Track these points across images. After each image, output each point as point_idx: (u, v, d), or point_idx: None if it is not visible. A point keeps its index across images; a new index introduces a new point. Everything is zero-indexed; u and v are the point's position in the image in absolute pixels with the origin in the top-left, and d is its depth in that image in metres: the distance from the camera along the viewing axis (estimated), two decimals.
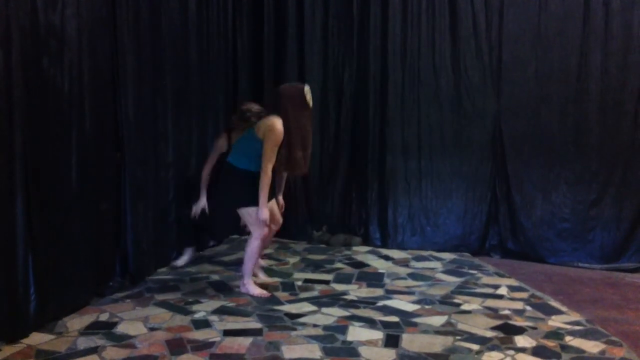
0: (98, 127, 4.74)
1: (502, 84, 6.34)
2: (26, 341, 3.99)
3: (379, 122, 6.71)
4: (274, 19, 6.93)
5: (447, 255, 6.35)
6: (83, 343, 4.01)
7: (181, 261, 5.80)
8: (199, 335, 4.20)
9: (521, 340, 4.18)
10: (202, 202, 5.52)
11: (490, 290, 5.25)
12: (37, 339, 4.04)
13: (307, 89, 4.92)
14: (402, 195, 6.65)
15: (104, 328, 4.27)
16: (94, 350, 3.91)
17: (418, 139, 6.58)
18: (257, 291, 5.02)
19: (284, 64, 6.91)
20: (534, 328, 4.41)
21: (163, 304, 4.77)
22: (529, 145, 6.29)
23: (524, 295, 5.16)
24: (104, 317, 4.48)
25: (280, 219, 5.33)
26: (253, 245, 5.00)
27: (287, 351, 3.95)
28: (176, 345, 4.01)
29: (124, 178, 5.06)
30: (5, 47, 3.82)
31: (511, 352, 4.00)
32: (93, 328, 4.27)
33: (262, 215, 4.79)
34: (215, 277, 5.49)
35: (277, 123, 4.77)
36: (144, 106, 5.29)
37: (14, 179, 3.96)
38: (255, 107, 5.40)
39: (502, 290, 5.25)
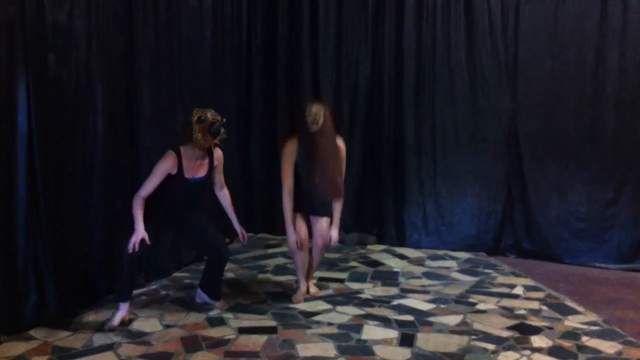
0: (112, 125, 4.77)
1: (518, 82, 6.29)
2: (42, 337, 4.02)
3: (394, 120, 6.67)
4: (287, 17, 6.89)
5: (463, 255, 6.31)
6: (99, 340, 4.03)
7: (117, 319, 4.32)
8: (214, 332, 4.21)
9: (537, 341, 4.16)
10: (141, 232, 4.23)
11: (505, 290, 5.22)
12: (53, 335, 4.06)
13: (308, 110, 4.60)
14: (416, 194, 6.62)
15: (120, 325, 4.28)
16: (109, 347, 3.93)
17: (433, 137, 6.55)
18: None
19: (298, 62, 6.88)
20: (550, 328, 4.38)
21: (178, 302, 4.78)
22: (545, 143, 6.23)
23: (540, 295, 5.13)
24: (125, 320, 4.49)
25: (323, 234, 4.85)
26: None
27: (301, 349, 3.95)
28: (191, 343, 4.03)
29: (139, 177, 5.07)
30: (11, 44, 3.87)
31: (527, 352, 3.98)
32: (107, 325, 4.28)
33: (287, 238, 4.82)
34: (230, 275, 5.49)
35: (287, 141, 4.78)
36: (158, 104, 5.29)
37: (25, 180, 4.01)
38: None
39: (518, 290, 5.22)
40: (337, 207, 4.80)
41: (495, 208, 6.44)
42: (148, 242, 4.21)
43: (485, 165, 6.43)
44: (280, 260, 5.95)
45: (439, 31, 6.45)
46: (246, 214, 6.86)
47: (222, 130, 4.44)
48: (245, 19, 6.80)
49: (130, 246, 4.14)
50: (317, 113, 4.55)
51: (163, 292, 5.02)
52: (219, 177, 4.77)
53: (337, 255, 6.18)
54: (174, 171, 4.37)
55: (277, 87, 6.95)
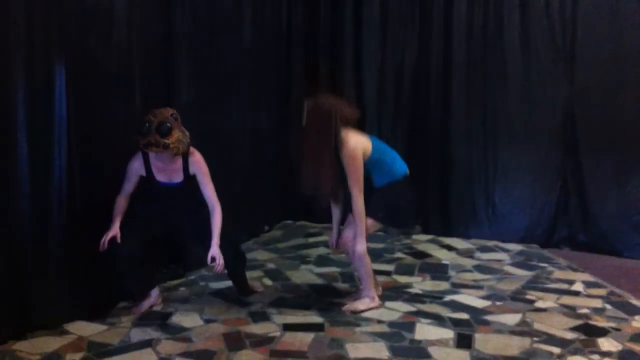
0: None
1: (575, 66, 5.89)
2: (77, 332, 3.82)
3: (441, 107, 6.33)
4: None
5: (514, 247, 5.97)
6: (137, 335, 3.83)
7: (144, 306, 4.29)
8: (258, 329, 3.98)
9: (605, 344, 3.85)
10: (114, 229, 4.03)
11: (564, 286, 4.90)
12: (89, 329, 3.87)
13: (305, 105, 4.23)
14: (464, 183, 6.29)
15: (158, 319, 4.08)
16: (148, 343, 3.72)
17: (483, 125, 6.20)
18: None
19: (340, 46, 6.58)
20: (618, 329, 4.06)
21: (218, 294, 4.56)
22: (603, 132, 5.84)
23: (602, 292, 4.79)
24: (157, 306, 4.28)
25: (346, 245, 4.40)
26: None
27: (351, 350, 3.70)
28: (234, 340, 3.80)
29: None
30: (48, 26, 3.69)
31: (596, 356, 3.68)
32: (146, 319, 4.08)
33: None
34: (271, 265, 5.25)
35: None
36: (197, 88, 5.07)
37: (62, 165, 3.84)
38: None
39: (578, 286, 4.90)
40: (354, 217, 4.20)
41: (549, 199, 6.07)
42: (118, 240, 3.95)
43: (538, 154, 6.06)
44: (323, 250, 5.68)
45: (491, 12, 6.06)
46: (283, 201, 6.66)
47: (148, 133, 3.85)
48: (285, 2, 6.51)
49: (101, 243, 3.92)
50: (305, 109, 4.19)
51: (202, 283, 4.79)
52: (206, 190, 4.14)
53: (381, 246, 5.90)
54: (143, 172, 4.10)
55: (318, 71, 6.63)
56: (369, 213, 4.20)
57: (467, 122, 6.24)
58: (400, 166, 4.37)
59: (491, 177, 6.23)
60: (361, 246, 4.20)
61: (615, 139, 5.81)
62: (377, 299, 4.38)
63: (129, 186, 4.11)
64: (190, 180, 4.14)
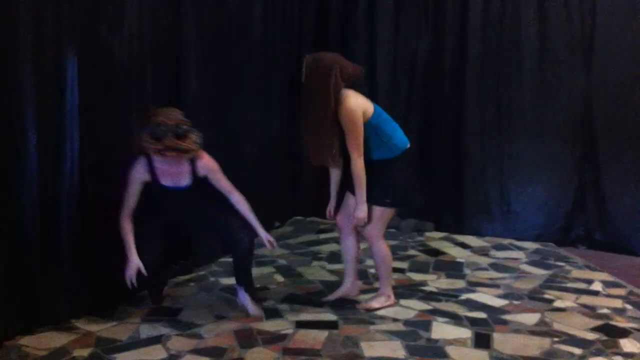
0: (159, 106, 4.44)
1: (593, 59, 5.75)
2: (85, 327, 3.73)
3: (455, 100, 6.20)
4: None
5: (530, 245, 5.85)
6: (146, 331, 3.73)
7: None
8: (269, 326, 3.87)
9: (627, 345, 3.73)
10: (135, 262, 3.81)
11: (583, 286, 4.78)
12: (97, 325, 3.77)
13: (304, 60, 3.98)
14: (478, 178, 6.16)
15: (168, 315, 3.98)
16: (157, 339, 3.63)
17: (498, 118, 6.07)
18: None
19: (352, 37, 6.46)
20: (639, 330, 3.94)
21: (229, 290, 4.44)
22: (622, 127, 5.70)
23: (622, 292, 4.67)
24: (166, 302, 4.19)
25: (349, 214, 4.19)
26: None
27: (366, 348, 3.59)
28: (246, 337, 3.70)
29: None
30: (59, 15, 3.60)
31: (618, 357, 3.57)
32: (156, 315, 3.98)
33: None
34: (282, 261, 5.15)
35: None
36: (207, 83, 4.97)
37: (69, 160, 3.74)
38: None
39: (597, 286, 4.77)
40: (354, 180, 3.94)
41: (565, 196, 5.94)
42: (145, 272, 3.75)
43: (554, 149, 5.92)
44: (334, 247, 5.55)
45: (508, 2, 5.93)
46: (294, 197, 6.56)
47: (169, 134, 3.62)
48: None
49: (128, 282, 3.74)
50: (304, 64, 3.93)
51: (212, 279, 4.70)
52: (221, 186, 3.99)
53: (393, 242, 5.77)
54: (148, 177, 3.83)
55: None
56: (375, 202, 3.99)
57: (482, 116, 6.11)
58: (400, 139, 4.08)
59: (506, 173, 6.10)
60: (360, 212, 3.95)
61: (633, 134, 5.67)
62: (392, 297, 4.27)
63: (132, 198, 3.83)
64: (198, 182, 3.94)
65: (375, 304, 4.20)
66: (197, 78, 4.85)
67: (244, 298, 4.04)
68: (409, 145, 4.14)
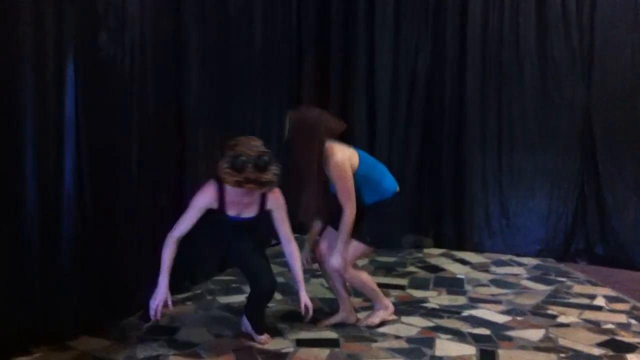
0: (160, 111, 4.41)
1: (594, 72, 5.74)
2: (80, 347, 3.62)
3: (455, 112, 6.17)
4: (342, 0, 6.45)
5: (530, 261, 5.79)
6: (142, 351, 3.62)
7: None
8: (270, 344, 3.77)
9: None
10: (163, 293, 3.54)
11: (586, 301, 4.71)
12: (92, 344, 3.67)
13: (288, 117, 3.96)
14: (478, 192, 6.10)
15: (165, 334, 3.88)
16: (155, 359, 3.52)
17: (498, 131, 6.03)
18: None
19: (352, 49, 6.43)
20: None
21: (226, 308, 4.36)
22: (623, 139, 5.68)
23: (625, 306, 4.61)
24: (163, 321, 4.07)
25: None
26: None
27: None
28: (245, 356, 3.60)
29: (185, 169, 4.69)
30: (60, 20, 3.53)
31: None
32: (152, 334, 3.87)
33: None
34: (280, 279, 5.03)
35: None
36: (207, 91, 4.91)
37: (68, 167, 3.65)
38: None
39: (600, 301, 4.71)
40: (341, 228, 3.87)
41: (566, 209, 5.90)
42: (171, 306, 3.57)
43: (555, 162, 5.89)
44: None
45: (507, 15, 5.92)
46: (291, 214, 6.46)
47: (249, 166, 3.36)
48: (296, 3, 6.35)
49: (152, 313, 3.47)
50: (287, 121, 3.88)
51: (209, 297, 4.61)
52: (283, 227, 3.74)
53: (392, 259, 5.71)
54: (214, 205, 3.59)
55: (328, 76, 6.50)
56: (357, 237, 3.91)
57: (482, 129, 6.08)
58: (389, 182, 4.03)
59: (506, 186, 6.05)
60: (336, 261, 3.89)
61: (634, 146, 5.65)
62: (390, 306, 4.18)
63: (189, 222, 3.57)
64: (262, 215, 3.70)
65: (375, 319, 4.11)
66: (197, 84, 4.79)
67: (249, 328, 3.85)
68: (398, 189, 4.05)
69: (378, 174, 4.00)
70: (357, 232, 3.90)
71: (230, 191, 3.53)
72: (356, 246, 3.94)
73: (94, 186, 3.82)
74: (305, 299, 3.66)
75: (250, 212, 3.66)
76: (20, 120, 3.39)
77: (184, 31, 4.64)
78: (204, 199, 3.58)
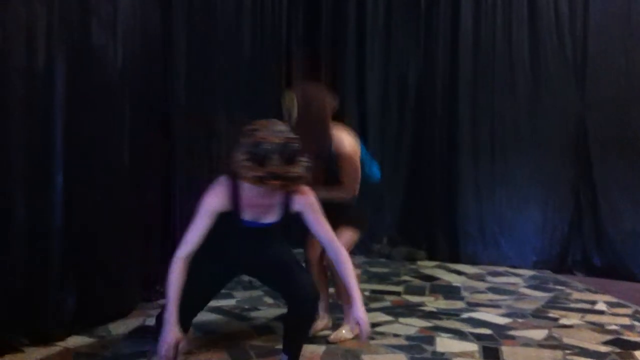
0: (147, 110, 4.27)
1: (587, 80, 5.73)
2: (63, 344, 3.41)
3: (447, 122, 6.11)
4: (332, 9, 6.38)
5: (525, 272, 5.67)
6: (129, 347, 3.42)
7: None
8: (263, 341, 3.60)
9: None
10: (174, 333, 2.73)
11: (587, 306, 4.59)
12: (76, 342, 3.46)
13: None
14: (472, 202, 6.01)
15: (153, 333, 3.67)
16: (141, 354, 3.32)
17: (491, 140, 5.97)
18: None
19: (342, 59, 6.36)
20: None
21: (217, 311, 4.16)
22: (617, 147, 5.64)
23: (627, 311, 4.49)
24: (151, 321, 3.88)
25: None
26: None
27: None
28: (238, 351, 3.41)
29: (174, 168, 4.53)
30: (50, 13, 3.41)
31: None
32: (140, 333, 3.68)
33: None
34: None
35: None
36: (195, 98, 4.78)
37: (54, 164, 3.48)
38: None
39: (601, 306, 4.59)
40: (332, 190, 3.48)
41: (561, 219, 5.81)
42: (185, 347, 2.99)
43: (550, 171, 5.82)
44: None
45: (499, 24, 5.92)
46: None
47: (274, 157, 2.62)
48: (286, 11, 6.30)
49: (162, 355, 2.70)
50: (294, 101, 3.45)
51: None
52: (320, 230, 2.90)
53: (386, 270, 5.57)
54: (229, 207, 2.82)
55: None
56: (351, 224, 3.64)
57: (475, 139, 6.01)
58: (375, 170, 3.86)
59: (500, 197, 5.97)
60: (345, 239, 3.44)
61: (629, 154, 5.60)
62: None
63: (201, 233, 2.78)
64: (286, 219, 2.94)
65: (347, 334, 3.65)
66: (185, 85, 4.65)
67: None
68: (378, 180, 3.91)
69: (368, 162, 3.85)
70: (348, 219, 3.65)
71: (248, 190, 2.79)
72: (351, 235, 3.74)
73: (78, 187, 3.62)
74: (361, 316, 2.76)
75: (271, 217, 2.90)
76: (8, 114, 3.24)
77: (173, 41, 4.53)
78: (215, 200, 2.80)
